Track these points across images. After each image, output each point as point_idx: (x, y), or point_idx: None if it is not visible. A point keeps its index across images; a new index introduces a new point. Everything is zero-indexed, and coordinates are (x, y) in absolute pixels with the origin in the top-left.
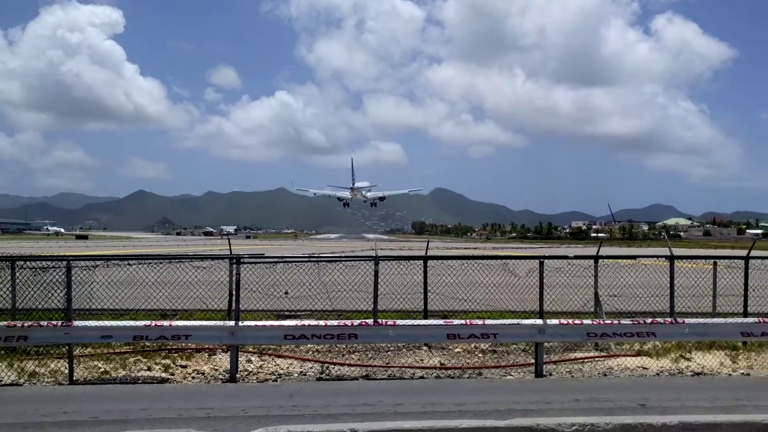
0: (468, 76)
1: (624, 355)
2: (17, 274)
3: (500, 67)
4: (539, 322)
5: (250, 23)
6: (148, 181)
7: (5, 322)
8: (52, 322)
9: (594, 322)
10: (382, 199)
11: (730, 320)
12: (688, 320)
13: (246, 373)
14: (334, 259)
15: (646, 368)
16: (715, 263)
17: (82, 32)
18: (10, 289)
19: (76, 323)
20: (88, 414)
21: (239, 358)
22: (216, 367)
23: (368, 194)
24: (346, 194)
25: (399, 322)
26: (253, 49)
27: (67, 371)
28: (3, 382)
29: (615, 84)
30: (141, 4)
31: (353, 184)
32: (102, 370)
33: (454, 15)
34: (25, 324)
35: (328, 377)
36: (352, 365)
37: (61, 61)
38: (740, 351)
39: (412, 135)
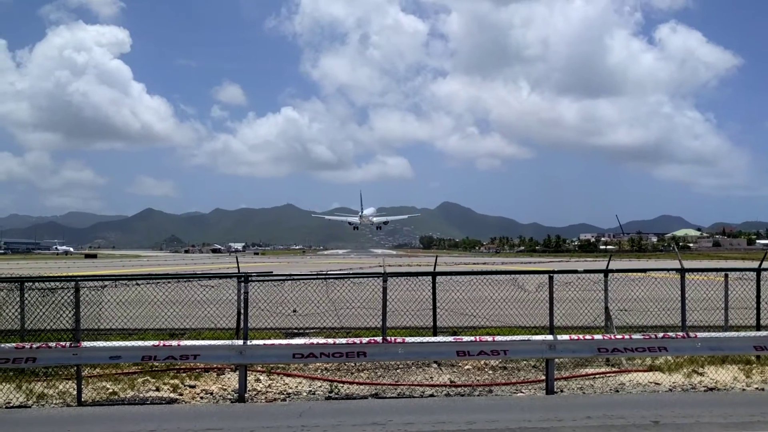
0: (473, 89)
1: (636, 371)
2: (26, 295)
3: (505, 80)
4: (549, 338)
5: (254, 40)
6: (156, 200)
7: (14, 344)
8: (61, 342)
9: (605, 337)
10: (385, 223)
11: (743, 334)
12: (700, 334)
13: (255, 392)
14: (342, 276)
15: (658, 384)
16: (726, 275)
17: (89, 52)
18: (19, 310)
19: (85, 344)
20: None
21: (248, 378)
22: (224, 387)
23: (374, 219)
24: (356, 219)
25: (408, 339)
26: (258, 66)
27: (75, 392)
28: (11, 404)
29: (620, 94)
30: (147, 23)
31: (362, 212)
32: (110, 390)
33: (457, 28)
34: (34, 345)
35: (337, 396)
36: (362, 384)
37: (69, 82)
38: (754, 365)
39: (418, 149)
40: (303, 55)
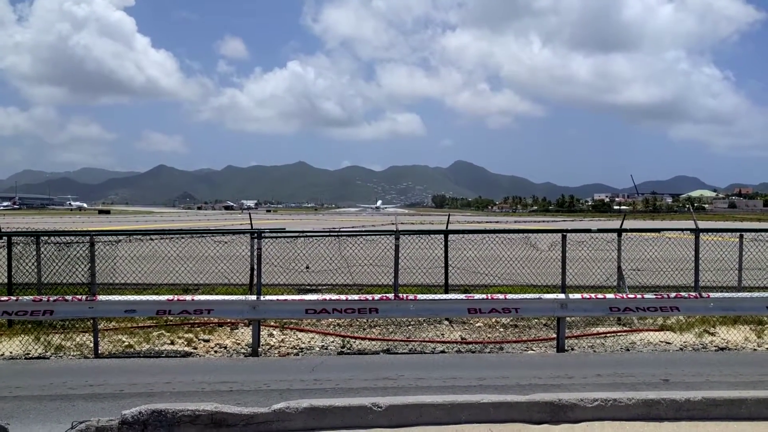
0: (483, 43)
1: (647, 330)
2: (42, 249)
3: (515, 33)
4: (561, 296)
5: None
6: (167, 156)
7: (31, 297)
8: (77, 296)
9: (617, 297)
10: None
11: (756, 294)
12: (712, 294)
13: (268, 347)
14: (354, 233)
15: (669, 343)
16: (741, 236)
17: (91, 5)
18: (35, 264)
19: (100, 298)
20: (113, 387)
21: (261, 332)
22: (238, 341)
23: (383, 207)
24: (373, 207)
25: (420, 296)
26: (258, 20)
27: (92, 345)
28: (30, 355)
29: (635, 50)
30: None
31: (376, 204)
32: (126, 343)
33: None
34: (51, 298)
35: (349, 351)
36: (373, 339)
37: (71, 34)
38: (766, 326)
39: (427, 105)
40: (304, 6)
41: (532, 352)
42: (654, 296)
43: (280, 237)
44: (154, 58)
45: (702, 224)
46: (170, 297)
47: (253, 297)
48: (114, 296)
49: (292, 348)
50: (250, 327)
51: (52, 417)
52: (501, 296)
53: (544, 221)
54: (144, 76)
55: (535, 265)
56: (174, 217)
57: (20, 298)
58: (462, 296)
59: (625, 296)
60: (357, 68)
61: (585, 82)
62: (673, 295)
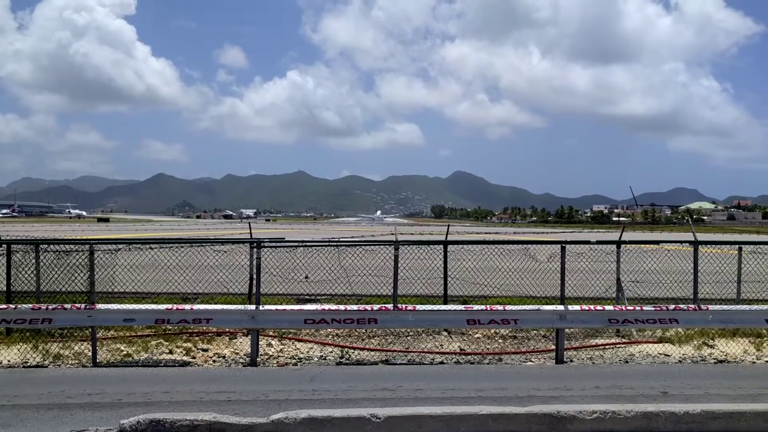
0: (482, 54)
1: (646, 342)
2: (41, 257)
3: (515, 44)
4: (560, 308)
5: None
6: (166, 164)
7: (30, 305)
8: (76, 305)
9: (616, 308)
10: (383, 217)
11: (755, 307)
12: (711, 307)
13: (266, 356)
14: (353, 243)
15: (668, 355)
16: (740, 248)
17: (92, 13)
18: (34, 272)
19: (99, 306)
20: (111, 396)
21: (260, 342)
22: (237, 351)
23: (382, 217)
24: (372, 218)
25: (419, 307)
26: (257, 29)
27: (90, 353)
28: (28, 364)
29: (634, 61)
30: None
31: (375, 215)
32: (124, 352)
33: None
34: (50, 306)
35: (347, 362)
36: (372, 350)
37: (71, 42)
38: (765, 338)
39: (426, 116)
40: (303, 16)
41: (531, 363)
42: (653, 308)
43: (280, 246)
44: (153, 66)
45: (701, 236)
46: (169, 306)
47: (252, 307)
48: (113, 305)
49: (290, 358)
50: (249, 337)
51: (50, 426)
52: (500, 307)
53: (543, 232)
54: (144, 85)
55: (534, 276)
56: (173, 226)
57: (19, 306)
58: (461, 307)
59: (624, 308)
60: (356, 78)
61: (584, 94)
62: (672, 307)
